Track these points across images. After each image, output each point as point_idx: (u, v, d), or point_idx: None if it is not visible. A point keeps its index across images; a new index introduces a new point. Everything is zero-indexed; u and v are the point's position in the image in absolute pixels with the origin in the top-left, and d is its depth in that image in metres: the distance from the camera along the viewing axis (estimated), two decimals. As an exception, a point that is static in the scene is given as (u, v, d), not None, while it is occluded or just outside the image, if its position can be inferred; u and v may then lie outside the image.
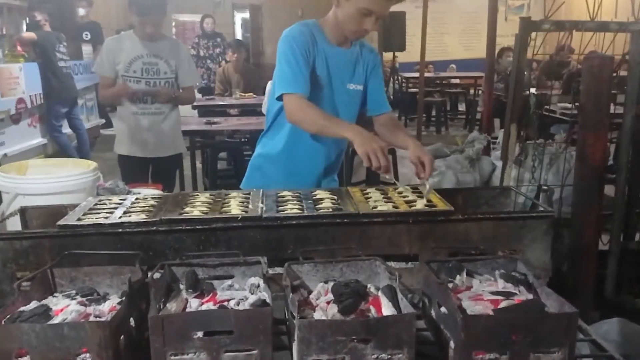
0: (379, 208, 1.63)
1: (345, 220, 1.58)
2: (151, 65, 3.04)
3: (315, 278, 1.40)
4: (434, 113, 9.59)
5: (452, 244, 1.61)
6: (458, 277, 1.32)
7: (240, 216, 1.56)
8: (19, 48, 5.63)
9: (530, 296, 1.25)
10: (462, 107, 10.75)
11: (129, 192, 2.41)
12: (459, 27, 15.18)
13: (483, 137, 3.17)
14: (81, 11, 7.41)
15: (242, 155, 5.03)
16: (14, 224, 1.75)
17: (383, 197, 1.74)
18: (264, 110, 4.56)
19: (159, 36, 3.08)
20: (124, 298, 1.30)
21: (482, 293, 1.27)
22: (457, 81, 10.90)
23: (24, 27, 7.50)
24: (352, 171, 4.81)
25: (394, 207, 1.64)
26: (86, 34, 7.42)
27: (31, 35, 5.62)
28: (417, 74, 10.04)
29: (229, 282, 1.40)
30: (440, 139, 8.85)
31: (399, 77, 10.89)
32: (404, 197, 1.75)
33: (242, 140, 4.43)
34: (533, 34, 2.43)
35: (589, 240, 2.47)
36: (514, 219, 1.61)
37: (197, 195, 1.78)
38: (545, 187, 2.58)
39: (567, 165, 2.64)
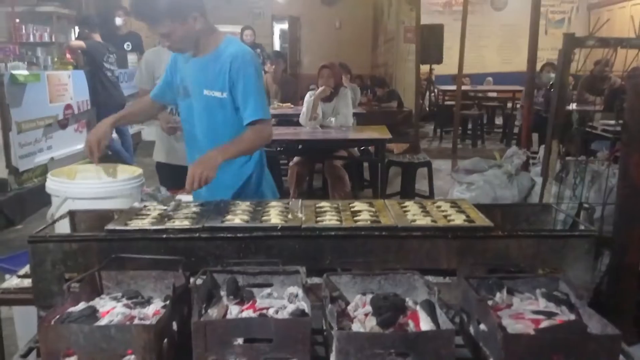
0: (418, 222, 1.64)
1: (384, 233, 1.59)
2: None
3: (353, 290, 1.41)
4: (470, 126, 9.49)
5: (491, 260, 1.60)
6: (498, 294, 1.32)
7: (280, 225, 1.59)
8: (68, 56, 5.83)
9: (572, 317, 1.24)
10: (499, 120, 10.61)
11: (171, 198, 2.47)
12: (498, 40, 15.01)
13: (522, 152, 3.13)
14: (118, 20, 7.60)
15: (278, 164, 5.08)
16: (63, 227, 1.81)
17: (421, 211, 1.74)
18: (301, 120, 4.61)
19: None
20: (167, 302, 1.34)
21: (523, 312, 1.26)
22: (495, 94, 10.77)
23: (72, 36, 7.77)
24: (387, 183, 4.81)
25: (432, 221, 1.64)
26: (127, 44, 7.62)
27: (80, 43, 5.82)
28: (453, 87, 10.00)
29: (268, 290, 1.42)
30: (476, 152, 8.76)
31: (435, 90, 10.84)
32: (442, 211, 1.75)
33: (278, 149, 4.48)
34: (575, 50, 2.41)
35: (630, 260, 2.41)
36: (555, 237, 1.58)
37: (238, 203, 1.82)
38: (586, 205, 2.53)
39: (609, 183, 2.59)
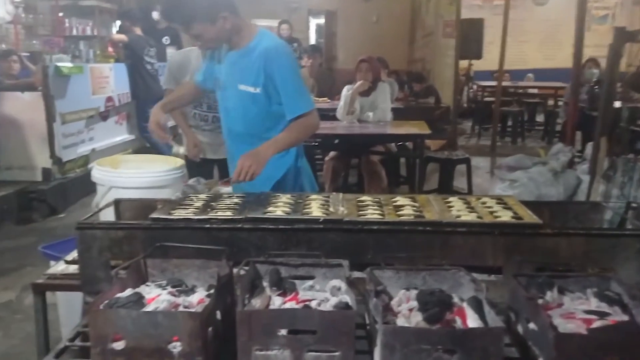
0: (463, 218, 1.60)
1: (428, 228, 1.56)
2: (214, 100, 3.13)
3: (396, 285, 1.39)
4: (509, 123, 9.30)
5: (539, 259, 1.55)
6: (549, 293, 1.28)
7: (322, 218, 1.58)
8: (110, 49, 5.95)
9: (626, 317, 1.19)
10: (539, 118, 10.37)
11: (208, 189, 2.50)
12: (539, 36, 14.67)
13: (568, 149, 3.04)
14: (156, 15, 7.69)
15: (313, 159, 5.07)
16: (108, 215, 1.84)
17: (466, 207, 1.70)
18: (338, 115, 4.59)
19: None
20: (211, 291, 1.35)
21: (575, 311, 1.22)
22: (535, 91, 10.52)
23: (113, 29, 7.92)
24: (425, 179, 4.75)
25: (478, 217, 1.61)
26: (166, 38, 7.71)
27: (122, 37, 5.93)
28: (493, 83, 9.81)
29: (310, 282, 1.41)
30: (516, 150, 8.57)
31: (474, 86, 10.66)
32: (488, 207, 1.71)
33: (314, 143, 4.46)
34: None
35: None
36: (606, 235, 1.53)
37: (279, 195, 1.81)
38: (634, 204, 2.44)
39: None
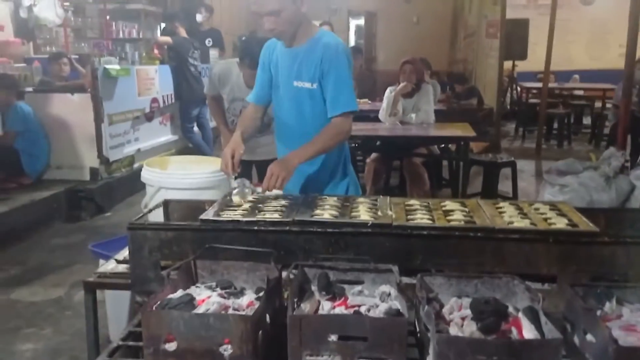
0: (516, 224, 1.56)
1: (479, 234, 1.53)
2: None
3: (448, 292, 1.36)
4: (555, 126, 9.06)
5: (595, 267, 1.50)
6: (608, 304, 1.23)
7: (370, 222, 1.56)
8: (155, 51, 6.07)
9: (694, 333, 1.14)
10: (586, 120, 10.08)
11: (254, 191, 2.50)
12: (586, 36, 14.25)
13: (620, 154, 2.93)
14: (199, 17, 7.80)
15: (355, 160, 5.05)
16: (156, 215, 1.87)
17: (518, 213, 1.66)
18: (381, 116, 4.56)
19: None
20: (261, 294, 1.35)
21: (635, 323, 1.17)
22: (581, 93, 10.21)
23: (158, 32, 8.07)
24: (468, 182, 4.67)
25: (531, 223, 1.56)
26: (209, 41, 7.83)
27: (167, 39, 6.05)
28: (537, 84, 9.59)
29: (359, 287, 1.40)
30: (562, 153, 8.36)
31: (518, 87, 10.43)
32: (541, 214, 1.66)
33: (354, 145, 4.43)
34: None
35: None
36: (668, 245, 1.47)
37: (326, 198, 1.81)
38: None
39: None
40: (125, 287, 1.87)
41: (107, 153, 4.92)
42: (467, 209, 1.69)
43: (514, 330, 1.16)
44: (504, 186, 5.12)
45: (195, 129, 6.47)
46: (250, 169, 3.27)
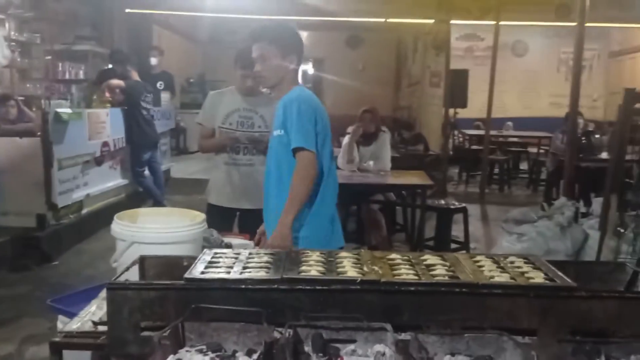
0: (497, 279, 1.61)
1: (464, 289, 1.56)
2: (246, 118, 3.17)
3: (440, 349, 1.38)
4: (496, 171, 9.46)
5: (574, 321, 1.56)
6: (597, 360, 1.28)
7: (359, 279, 1.57)
8: (107, 94, 5.96)
9: (679, 387, 1.20)
10: (522, 165, 10.59)
11: (222, 242, 2.48)
12: (518, 86, 15.13)
13: (571, 203, 3.10)
14: (153, 60, 7.79)
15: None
16: (130, 272, 1.81)
17: (496, 267, 1.71)
18: (339, 164, 4.62)
19: (257, 92, 3.23)
20: (254, 357, 1.32)
21: (626, 380, 1.22)
22: (515, 139, 10.77)
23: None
24: (424, 228, 4.77)
25: (511, 278, 1.61)
26: (160, 84, 7.79)
27: (119, 82, 5.96)
28: (478, 131, 10.04)
29: (351, 346, 1.40)
30: (504, 197, 8.71)
31: (460, 134, 10.87)
32: (517, 267, 1.72)
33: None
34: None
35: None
36: (641, 299, 1.55)
37: (308, 253, 1.80)
38: (646, 261, 2.48)
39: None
40: (96, 347, 1.78)
41: (55, 199, 4.73)
42: (448, 264, 1.73)
43: (514, 390, 1.18)
44: (454, 230, 5.27)
45: (147, 172, 6.34)
46: (233, 218, 3.24)
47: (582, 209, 3.03)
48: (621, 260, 2.09)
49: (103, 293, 2.12)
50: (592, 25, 5.42)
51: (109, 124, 5.70)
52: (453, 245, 4.73)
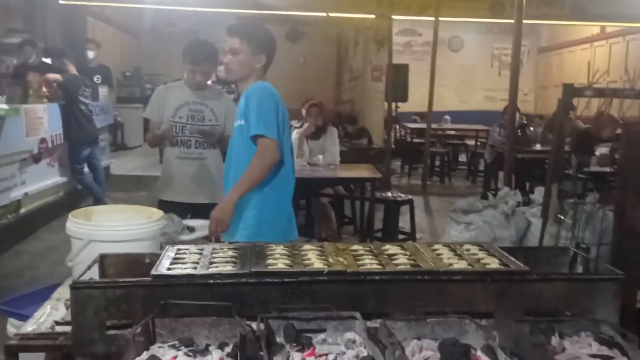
0: (455, 266, 1.69)
1: (426, 277, 1.63)
2: (197, 112, 3.14)
3: (407, 335, 1.44)
4: (436, 163, 9.76)
5: (526, 303, 1.66)
6: (553, 338, 1.37)
7: (326, 270, 1.61)
8: (44, 89, 5.72)
9: (626, 359, 1.30)
10: (461, 158, 10.96)
11: (183, 226, 2.46)
12: (455, 81, 15.63)
13: (513, 192, 3.27)
14: (90, 54, 7.56)
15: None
16: (89, 271, 1.77)
17: (454, 254, 1.79)
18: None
19: (206, 86, 3.20)
20: (227, 349, 1.34)
21: (580, 355, 1.31)
22: (454, 132, 11.14)
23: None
24: (374, 220, 4.87)
25: (469, 264, 1.70)
26: (97, 77, 7.56)
27: (57, 76, 5.72)
28: (419, 125, 10.32)
29: (322, 335, 1.43)
30: (445, 188, 9.00)
31: (401, 128, 11.13)
32: (473, 254, 1.81)
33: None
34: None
35: (628, 298, 2.53)
36: (587, 280, 1.67)
37: (272, 246, 1.83)
38: (583, 246, 2.65)
39: (602, 224, 2.72)
40: (55, 349, 1.74)
41: (-8, 199, 4.52)
42: (408, 253, 1.79)
43: (480, 369, 1.26)
44: (400, 221, 5.41)
45: (86, 169, 6.13)
46: (187, 214, 3.19)
47: (519, 199, 3.21)
48: (564, 245, 2.22)
49: (57, 294, 2.08)
50: (524, 22, 5.66)
51: (46, 119, 5.48)
52: (400, 236, 4.86)
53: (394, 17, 9.15)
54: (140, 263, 1.80)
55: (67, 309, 1.88)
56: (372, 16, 9.59)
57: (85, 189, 6.08)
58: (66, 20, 9.21)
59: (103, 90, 7.39)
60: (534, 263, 1.96)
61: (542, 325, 1.41)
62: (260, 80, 2.44)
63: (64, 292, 2.05)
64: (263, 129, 2.32)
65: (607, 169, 2.75)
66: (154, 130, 3.19)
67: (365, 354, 1.32)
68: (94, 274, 1.77)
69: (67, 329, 1.74)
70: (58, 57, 6.02)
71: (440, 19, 8.78)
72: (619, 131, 3.10)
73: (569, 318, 1.49)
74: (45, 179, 5.57)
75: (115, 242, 1.94)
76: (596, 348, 1.35)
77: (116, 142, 10.56)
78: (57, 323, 1.72)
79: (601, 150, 4.39)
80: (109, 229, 1.93)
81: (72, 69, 5.92)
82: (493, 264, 1.72)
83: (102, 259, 1.79)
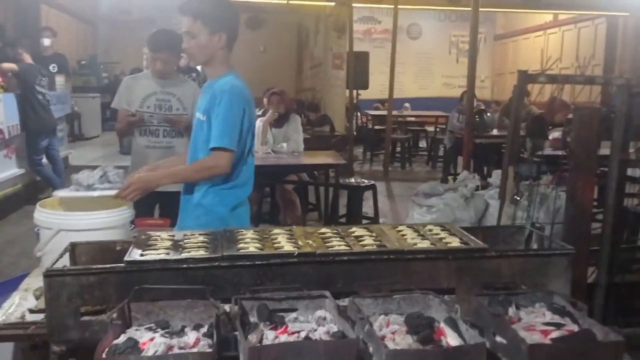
0: (419, 245, 1.77)
1: (392, 256, 1.71)
2: (164, 101, 3.14)
3: (374, 311, 1.52)
4: (398, 149, 9.92)
5: (485, 278, 1.76)
6: (510, 309, 1.47)
7: (296, 252, 1.67)
8: (-1, 78, 5.57)
9: (576, 327, 1.41)
10: (421, 144, 11.17)
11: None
12: (414, 68, 15.84)
13: (472, 176, 3.39)
14: (46, 41, 7.36)
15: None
16: (61, 259, 1.78)
17: (417, 235, 1.88)
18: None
19: (171, 75, 3.20)
20: (203, 331, 1.38)
21: (534, 324, 1.41)
22: (414, 119, 11.34)
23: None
24: (338, 206, 4.95)
25: (431, 244, 1.78)
26: (53, 66, 7.37)
27: (12, 66, 5.56)
28: (379, 112, 10.45)
29: (294, 314, 1.50)
30: (406, 174, 9.16)
31: (362, 115, 11.24)
32: (435, 234, 1.89)
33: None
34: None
35: (579, 273, 2.68)
36: (541, 255, 1.78)
37: (243, 231, 1.87)
38: (538, 225, 2.78)
39: (555, 204, 2.86)
40: (27, 338, 1.76)
41: (-54, 192, 4.39)
42: (374, 234, 1.87)
43: (444, 339, 1.34)
44: (364, 207, 5.52)
45: (44, 160, 6.01)
46: (155, 203, 3.18)
47: (478, 182, 3.34)
48: (520, 224, 2.34)
49: (24, 284, 2.08)
50: (480, 10, 5.82)
51: (2, 110, 5.34)
52: (364, 221, 4.95)
53: (354, 4, 9.20)
54: (111, 250, 1.83)
55: (36, 299, 1.89)
56: (332, 4, 9.62)
57: (45, 180, 5.96)
58: (19, 8, 8.94)
59: (60, 80, 7.22)
60: (493, 241, 2.07)
61: (499, 298, 1.50)
62: (229, 68, 2.30)
63: (32, 283, 2.06)
64: (225, 141, 2.19)
65: (560, 152, 2.88)
66: (123, 119, 3.17)
67: (336, 329, 1.38)
68: (65, 262, 1.78)
69: (37, 318, 1.76)
70: (12, 46, 5.85)
71: (399, 6, 8.89)
72: (570, 116, 3.25)
73: (524, 291, 1.59)
74: (3, 171, 5.45)
75: (85, 231, 1.95)
76: (549, 317, 1.45)
77: (74, 133, 10.33)
78: (31, 311, 1.73)
79: (554, 134, 4.57)
80: (79, 218, 1.94)
81: (27, 58, 5.78)
82: (454, 242, 1.81)
83: (73, 248, 1.80)
